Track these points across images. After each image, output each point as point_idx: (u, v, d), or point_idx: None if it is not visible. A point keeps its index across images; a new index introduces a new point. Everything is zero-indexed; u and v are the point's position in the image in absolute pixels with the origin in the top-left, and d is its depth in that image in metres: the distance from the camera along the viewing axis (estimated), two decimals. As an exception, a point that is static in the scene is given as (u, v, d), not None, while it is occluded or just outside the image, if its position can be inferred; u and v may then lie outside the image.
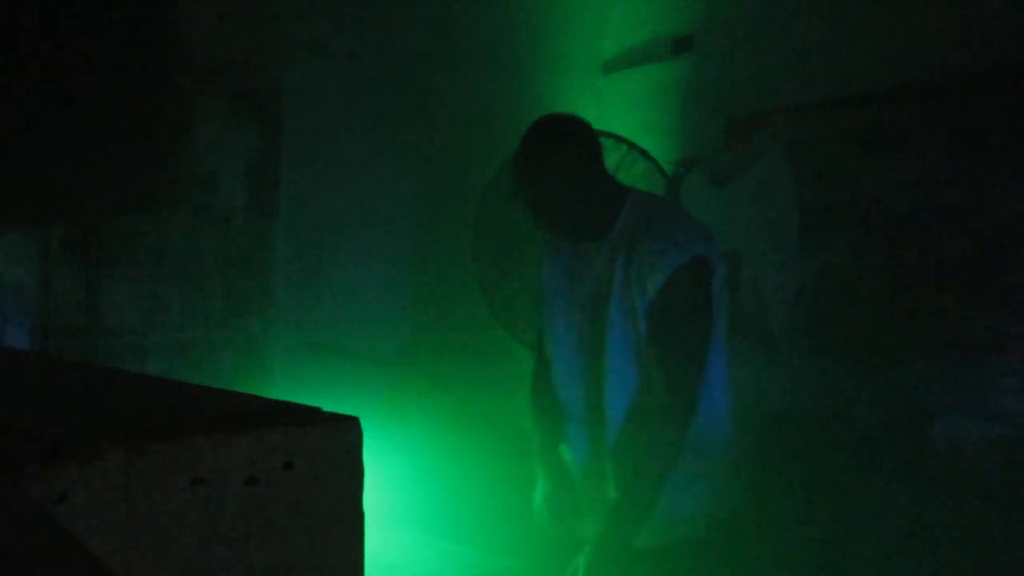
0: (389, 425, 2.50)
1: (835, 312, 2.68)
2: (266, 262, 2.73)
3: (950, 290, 2.42)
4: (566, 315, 1.98)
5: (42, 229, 2.33)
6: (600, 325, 1.89)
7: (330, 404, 0.83)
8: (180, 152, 2.51)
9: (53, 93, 2.13)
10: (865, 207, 2.62)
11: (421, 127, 3.03)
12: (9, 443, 0.66)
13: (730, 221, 2.85)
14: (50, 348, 2.34)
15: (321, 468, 0.76)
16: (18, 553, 0.48)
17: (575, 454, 2.01)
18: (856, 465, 2.57)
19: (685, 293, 1.80)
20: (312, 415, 0.80)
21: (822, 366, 2.69)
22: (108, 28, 2.21)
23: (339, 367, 2.79)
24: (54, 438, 0.67)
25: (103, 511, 0.64)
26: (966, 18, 2.40)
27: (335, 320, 2.87)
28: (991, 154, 2.36)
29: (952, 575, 2.35)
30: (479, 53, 3.14)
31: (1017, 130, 2.32)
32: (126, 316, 2.46)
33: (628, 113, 3.26)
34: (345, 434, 0.79)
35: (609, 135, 2.88)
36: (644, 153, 2.94)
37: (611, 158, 2.82)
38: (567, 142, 1.87)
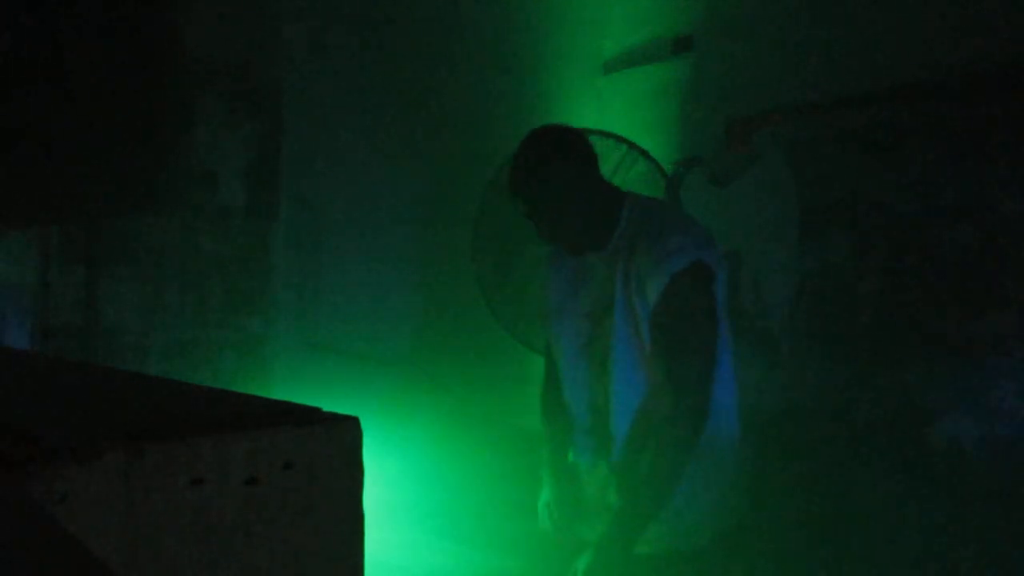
0: (389, 425, 2.50)
1: (835, 312, 2.68)
2: (266, 262, 2.73)
3: (950, 290, 2.42)
4: (571, 325, 1.97)
5: (42, 229, 2.33)
6: (604, 334, 1.88)
7: (330, 404, 0.83)
8: (180, 152, 2.51)
9: (53, 93, 2.13)
10: (865, 207, 2.62)
11: (421, 127, 3.04)
12: (9, 443, 0.66)
13: (730, 221, 2.85)
14: (50, 348, 2.34)
15: (321, 468, 0.76)
16: (18, 553, 0.48)
17: (582, 461, 2.00)
18: (856, 465, 2.57)
19: (686, 299, 1.78)
20: (312, 415, 0.80)
21: (822, 366, 2.69)
22: (108, 28, 2.21)
23: (339, 367, 2.80)
24: (54, 438, 0.67)
25: (103, 511, 0.64)
26: (966, 18, 2.40)
27: (335, 320, 2.87)
28: (991, 154, 2.36)
29: (952, 575, 2.35)
30: (479, 53, 3.14)
31: (1017, 130, 2.32)
32: (126, 316, 2.47)
33: (628, 113, 3.26)
34: (345, 434, 0.79)
35: (609, 135, 2.88)
36: (644, 153, 2.94)
37: (611, 158, 2.82)
38: (558, 155, 1.84)
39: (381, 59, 2.95)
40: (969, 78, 2.39)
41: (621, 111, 3.29)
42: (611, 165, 2.79)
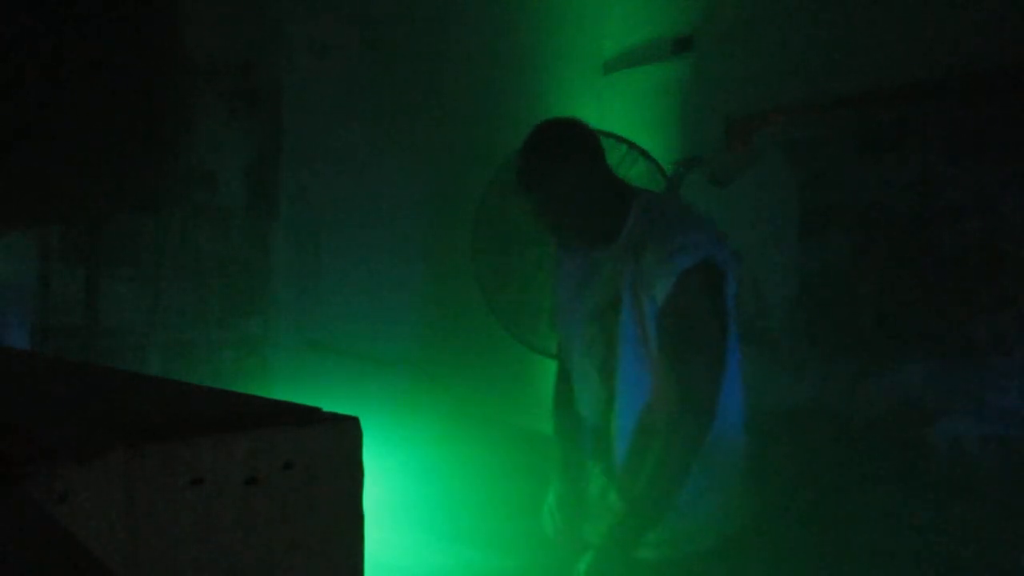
0: (389, 425, 2.50)
1: (835, 312, 2.68)
2: (266, 262, 2.73)
3: (950, 290, 2.42)
4: (579, 325, 1.93)
5: (42, 229, 2.33)
6: (611, 333, 1.84)
7: (330, 404, 0.83)
8: (180, 152, 2.51)
9: (53, 93, 2.13)
10: (865, 207, 2.62)
11: (421, 127, 3.04)
12: (9, 443, 0.66)
13: (730, 221, 2.85)
14: (50, 348, 2.34)
15: (321, 468, 0.76)
16: (18, 553, 0.48)
17: (588, 460, 1.99)
18: (856, 465, 2.57)
19: (694, 298, 1.73)
20: (312, 415, 0.80)
21: (822, 366, 2.69)
22: (108, 28, 2.21)
23: (339, 367, 2.80)
24: (54, 438, 0.67)
25: (103, 511, 0.64)
26: (966, 18, 2.40)
27: (335, 320, 2.87)
28: (991, 154, 2.36)
29: (952, 575, 2.35)
30: (480, 53, 3.14)
31: (1017, 130, 2.32)
32: (126, 316, 2.47)
33: (628, 113, 3.26)
34: (345, 434, 0.79)
35: (609, 135, 2.88)
36: (644, 153, 2.94)
37: (611, 158, 2.81)
38: (568, 149, 1.81)
39: (381, 59, 2.95)
40: (969, 78, 2.39)
41: (621, 111, 3.29)
42: (611, 165, 2.78)
